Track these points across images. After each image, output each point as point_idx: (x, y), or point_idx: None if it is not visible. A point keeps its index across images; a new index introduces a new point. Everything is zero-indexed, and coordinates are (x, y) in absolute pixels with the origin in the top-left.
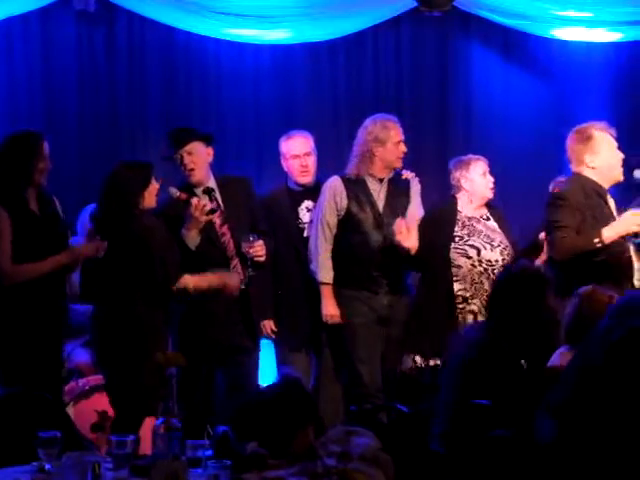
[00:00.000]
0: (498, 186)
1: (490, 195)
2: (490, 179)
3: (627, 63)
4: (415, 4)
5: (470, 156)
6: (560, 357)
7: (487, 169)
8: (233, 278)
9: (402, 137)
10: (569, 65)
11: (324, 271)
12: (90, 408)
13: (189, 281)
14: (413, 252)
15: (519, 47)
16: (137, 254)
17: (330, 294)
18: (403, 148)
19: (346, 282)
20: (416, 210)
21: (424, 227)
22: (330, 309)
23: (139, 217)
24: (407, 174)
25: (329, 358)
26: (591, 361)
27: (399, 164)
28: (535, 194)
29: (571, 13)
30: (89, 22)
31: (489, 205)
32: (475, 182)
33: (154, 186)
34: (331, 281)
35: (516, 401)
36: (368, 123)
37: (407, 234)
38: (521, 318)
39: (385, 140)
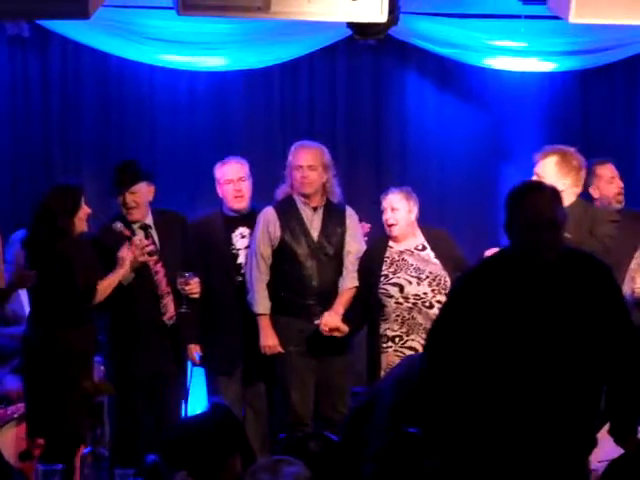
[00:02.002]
0: (434, 215)
1: (388, 233)
2: (390, 216)
3: (561, 93)
4: (350, 32)
5: (389, 189)
6: None
7: (392, 204)
8: (123, 251)
9: (304, 163)
10: (503, 94)
11: (260, 302)
12: (19, 436)
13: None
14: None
15: (454, 76)
16: (59, 275)
17: (268, 325)
18: (303, 173)
19: (281, 310)
20: (354, 243)
21: (359, 269)
22: (268, 340)
23: (65, 239)
24: None
25: (260, 385)
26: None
27: (303, 189)
28: (471, 223)
29: (505, 43)
30: (22, 47)
31: (428, 231)
32: (383, 217)
33: (84, 210)
34: (268, 312)
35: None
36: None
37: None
38: None
39: (291, 165)
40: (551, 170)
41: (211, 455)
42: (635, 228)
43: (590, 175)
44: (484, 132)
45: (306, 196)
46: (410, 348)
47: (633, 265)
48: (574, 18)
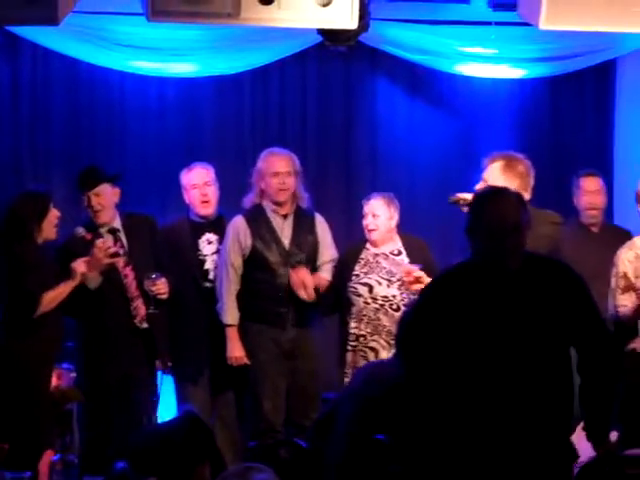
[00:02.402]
0: (404, 222)
1: (371, 237)
2: (369, 221)
3: (531, 99)
4: (320, 39)
5: (370, 195)
6: None
7: (372, 211)
8: (76, 262)
9: (281, 169)
10: (474, 101)
11: (229, 313)
12: None
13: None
14: (309, 300)
15: (424, 83)
16: (9, 278)
17: (235, 336)
18: (281, 180)
19: (253, 317)
20: (327, 251)
21: (335, 271)
22: (235, 351)
23: (27, 244)
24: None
25: (230, 392)
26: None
27: (279, 197)
28: (441, 230)
29: (475, 49)
30: None
31: (407, 238)
32: (364, 222)
33: (53, 214)
34: (236, 323)
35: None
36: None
37: (301, 285)
38: None
39: (264, 172)
40: (497, 175)
41: (180, 462)
42: (611, 243)
43: (573, 186)
44: (454, 138)
45: (280, 204)
46: (371, 349)
47: (614, 284)
48: (544, 25)
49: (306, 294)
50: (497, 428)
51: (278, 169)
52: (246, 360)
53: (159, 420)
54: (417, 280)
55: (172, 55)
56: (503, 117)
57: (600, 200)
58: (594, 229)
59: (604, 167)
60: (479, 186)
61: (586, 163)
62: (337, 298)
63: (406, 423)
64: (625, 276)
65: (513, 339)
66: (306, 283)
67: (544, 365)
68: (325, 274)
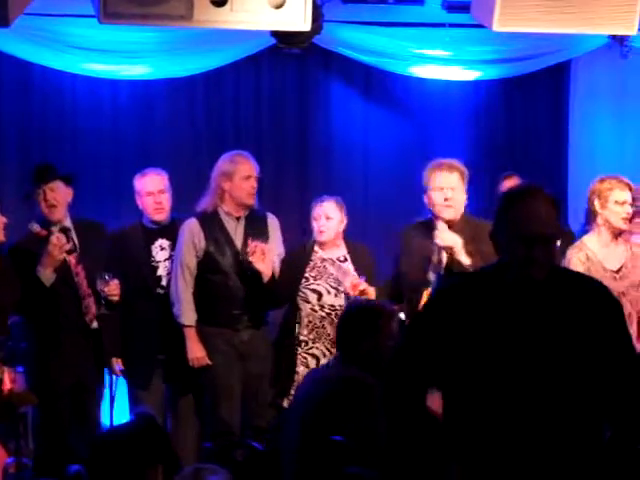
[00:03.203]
0: (359, 224)
1: (320, 238)
2: (322, 223)
3: (485, 101)
4: (275, 41)
5: (320, 197)
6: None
7: (324, 213)
8: None
9: (253, 173)
10: (428, 103)
11: (187, 314)
12: None
13: None
14: (266, 279)
15: (379, 85)
16: None
17: (194, 337)
18: (253, 183)
19: (207, 320)
20: (275, 248)
21: (283, 266)
22: (196, 352)
23: None
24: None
25: (186, 396)
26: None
27: (250, 200)
28: (396, 232)
29: (429, 51)
30: None
31: (351, 245)
32: (313, 225)
33: (0, 219)
34: (194, 324)
35: (370, 438)
36: (220, 159)
37: (261, 256)
38: (362, 353)
39: (232, 175)
40: (460, 184)
41: (132, 465)
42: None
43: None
44: (409, 140)
45: (248, 207)
46: (313, 355)
47: None
48: (498, 26)
49: (264, 267)
50: (518, 464)
51: (250, 172)
52: (207, 361)
53: (114, 423)
54: (362, 293)
55: (125, 57)
56: (457, 119)
57: None
58: None
59: (559, 169)
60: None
61: (540, 165)
62: (287, 291)
63: (363, 424)
64: None
65: (536, 359)
66: (265, 252)
67: (570, 389)
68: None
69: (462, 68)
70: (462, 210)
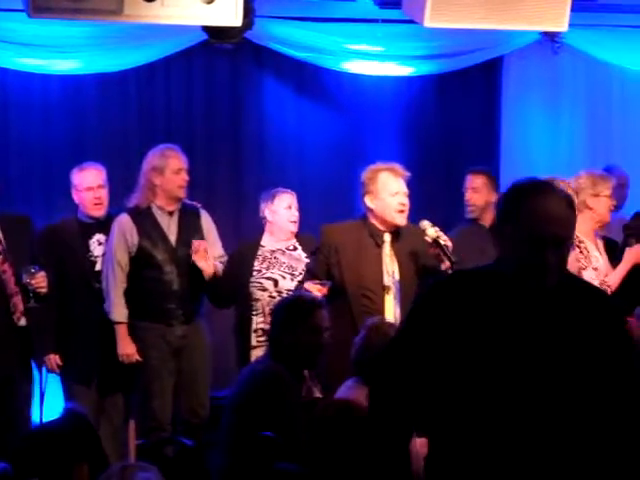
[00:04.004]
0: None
1: (293, 229)
2: (294, 213)
3: (418, 97)
4: (207, 36)
5: (277, 189)
6: (348, 390)
7: (293, 203)
8: None
9: (183, 166)
10: (361, 98)
11: (118, 311)
12: None
13: None
14: (208, 277)
15: (312, 80)
16: None
17: (125, 333)
18: (184, 177)
19: (141, 315)
20: (214, 248)
21: (228, 265)
22: (126, 348)
23: None
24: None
25: (120, 392)
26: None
27: (181, 194)
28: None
29: (362, 47)
30: None
31: (299, 235)
32: (279, 215)
33: None
34: (125, 320)
35: (298, 433)
36: (149, 153)
37: (204, 254)
38: (285, 347)
39: (163, 168)
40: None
41: (59, 462)
42: (473, 239)
43: None
44: (342, 136)
45: (179, 200)
46: None
47: None
48: (429, 22)
49: (206, 265)
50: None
51: (181, 165)
52: (137, 357)
53: (43, 419)
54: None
55: (55, 52)
56: (390, 115)
57: (474, 197)
58: (486, 224)
59: (491, 163)
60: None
61: (473, 160)
62: (233, 291)
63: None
64: None
65: (540, 375)
66: (207, 250)
67: (575, 408)
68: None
69: (395, 64)
70: None
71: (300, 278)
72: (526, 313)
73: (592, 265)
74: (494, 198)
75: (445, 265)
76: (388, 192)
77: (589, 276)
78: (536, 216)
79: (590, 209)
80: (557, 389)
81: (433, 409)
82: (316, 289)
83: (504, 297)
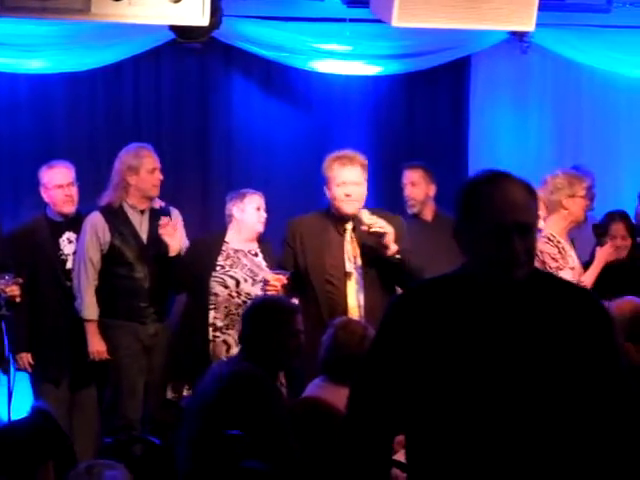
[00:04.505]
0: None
1: (260, 229)
2: (263, 214)
3: (386, 96)
4: (174, 35)
5: (247, 189)
6: (317, 388)
7: (262, 204)
8: None
9: (157, 165)
10: (329, 98)
11: (89, 308)
12: None
13: None
14: (172, 253)
15: (279, 79)
16: None
17: (95, 331)
18: (158, 176)
19: (113, 314)
20: (181, 241)
21: (189, 253)
22: (96, 346)
23: None
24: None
25: (90, 390)
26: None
27: (155, 192)
28: None
29: (330, 46)
30: None
31: (260, 241)
32: (247, 214)
33: None
34: (96, 318)
35: (270, 432)
36: (122, 153)
37: (172, 230)
38: (263, 350)
39: (138, 168)
40: (361, 177)
41: (23, 461)
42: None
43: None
44: (310, 135)
45: (152, 198)
46: (224, 342)
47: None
48: (397, 22)
49: (173, 240)
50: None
51: (155, 165)
52: (107, 355)
53: (11, 418)
54: (283, 287)
55: (23, 51)
56: (358, 114)
57: (414, 191)
58: (427, 218)
59: (459, 163)
60: (356, 187)
61: (441, 159)
62: (189, 276)
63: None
64: None
65: (516, 375)
66: (175, 228)
67: (554, 409)
68: None
69: (363, 63)
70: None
71: (260, 285)
72: (496, 310)
73: (569, 265)
74: (432, 191)
75: (390, 252)
76: (335, 182)
77: (566, 276)
78: (495, 204)
79: (565, 209)
80: (538, 385)
81: (413, 418)
82: (274, 279)
83: (473, 297)
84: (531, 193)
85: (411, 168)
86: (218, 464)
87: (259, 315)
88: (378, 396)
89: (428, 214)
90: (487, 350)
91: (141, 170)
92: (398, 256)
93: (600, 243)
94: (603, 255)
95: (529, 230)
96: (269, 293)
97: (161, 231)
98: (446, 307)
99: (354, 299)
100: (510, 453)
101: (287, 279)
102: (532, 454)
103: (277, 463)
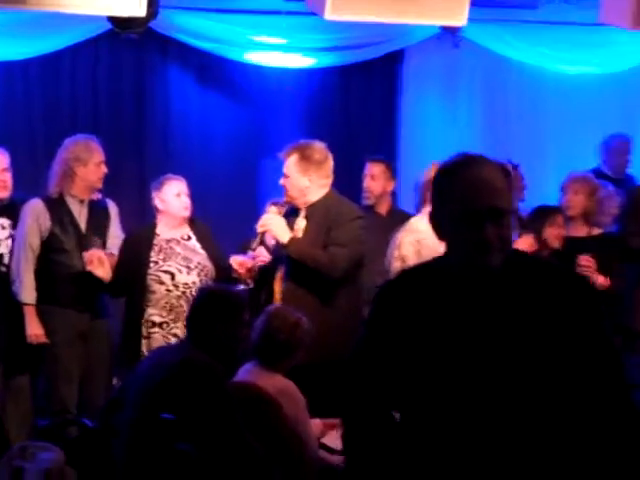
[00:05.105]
0: (198, 207)
1: (184, 214)
2: (185, 200)
3: (321, 88)
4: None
5: (166, 176)
6: (247, 373)
7: (183, 189)
8: None
9: (103, 159)
10: (265, 89)
11: (27, 292)
12: None
13: None
14: (106, 281)
15: (215, 70)
16: None
17: (33, 314)
18: (104, 169)
19: (49, 300)
20: (117, 232)
21: (123, 253)
22: (34, 329)
23: None
24: None
25: (25, 375)
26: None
27: (100, 184)
28: (234, 214)
29: (266, 38)
30: None
31: (194, 223)
32: (169, 203)
33: None
34: (34, 302)
35: (207, 416)
36: (69, 143)
37: (98, 264)
38: (214, 337)
39: (87, 160)
40: (294, 169)
41: None
42: (396, 226)
43: None
44: (246, 126)
45: (96, 190)
46: (174, 335)
47: (393, 265)
48: (330, 15)
49: (103, 272)
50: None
51: (102, 158)
52: (44, 338)
53: None
54: (249, 270)
55: None
56: (294, 105)
57: (372, 184)
58: (382, 212)
59: (390, 154)
60: (283, 181)
61: (374, 150)
62: (127, 280)
63: (198, 404)
64: (404, 259)
65: (496, 363)
66: (102, 259)
67: (536, 399)
68: (114, 250)
69: (298, 55)
70: (305, 193)
71: (196, 272)
72: (473, 296)
73: None
74: (390, 187)
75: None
76: None
77: None
78: (469, 188)
79: None
80: (520, 369)
81: (404, 397)
82: (237, 263)
83: (451, 284)
84: (507, 177)
85: (374, 162)
86: (154, 447)
87: (209, 306)
88: (371, 375)
89: (383, 208)
90: (464, 335)
91: (89, 162)
92: (288, 251)
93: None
94: (524, 246)
95: (503, 215)
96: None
97: (89, 268)
98: (428, 293)
99: (279, 285)
100: (491, 433)
101: (252, 264)
102: (514, 433)
103: (228, 447)
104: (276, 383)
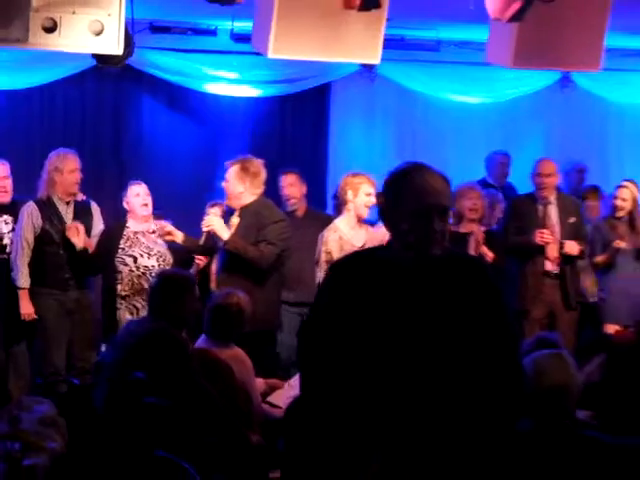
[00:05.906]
0: (164, 206)
1: (144, 212)
2: (144, 198)
3: (265, 114)
4: (95, 62)
5: (130, 182)
6: (203, 343)
7: (142, 191)
8: None
9: (77, 167)
10: (219, 114)
11: (22, 278)
12: None
13: None
14: (77, 248)
15: (180, 99)
16: None
17: (26, 296)
18: (78, 176)
19: (41, 283)
20: (99, 227)
21: (101, 241)
22: (27, 309)
23: None
24: None
25: (22, 343)
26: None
27: (75, 189)
28: (192, 213)
29: (220, 73)
30: None
31: (158, 220)
32: (131, 202)
33: None
34: (28, 286)
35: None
36: (51, 155)
37: (75, 232)
38: (171, 313)
39: (62, 169)
40: (234, 176)
41: None
42: (311, 225)
43: None
44: (204, 143)
45: (74, 194)
46: (134, 306)
47: (322, 258)
48: (272, 54)
49: (78, 241)
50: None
51: (75, 166)
52: (34, 316)
53: None
54: (168, 234)
55: None
56: (243, 128)
57: (293, 191)
58: (298, 214)
59: (321, 169)
60: (224, 184)
61: (306, 167)
62: (102, 261)
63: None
64: (330, 253)
65: (428, 337)
66: (79, 229)
67: (457, 366)
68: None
69: (247, 87)
70: (239, 197)
71: (155, 257)
72: (416, 281)
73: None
74: (304, 190)
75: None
76: None
77: None
78: (421, 189)
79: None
80: (440, 344)
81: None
82: (159, 226)
83: (395, 268)
84: (446, 181)
85: (288, 173)
86: (128, 400)
87: (168, 287)
88: (329, 328)
89: (300, 211)
90: (400, 309)
91: (64, 170)
92: (227, 246)
93: None
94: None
95: (446, 213)
96: (167, 238)
97: (67, 233)
98: (374, 272)
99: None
100: (416, 380)
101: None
102: (433, 382)
103: (192, 396)
104: (227, 351)
